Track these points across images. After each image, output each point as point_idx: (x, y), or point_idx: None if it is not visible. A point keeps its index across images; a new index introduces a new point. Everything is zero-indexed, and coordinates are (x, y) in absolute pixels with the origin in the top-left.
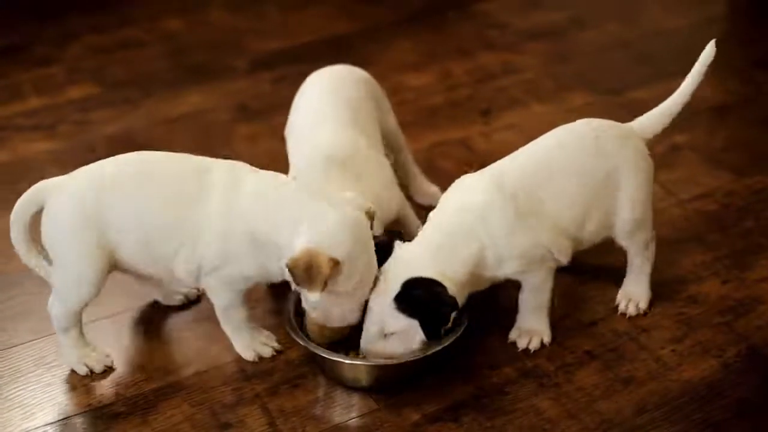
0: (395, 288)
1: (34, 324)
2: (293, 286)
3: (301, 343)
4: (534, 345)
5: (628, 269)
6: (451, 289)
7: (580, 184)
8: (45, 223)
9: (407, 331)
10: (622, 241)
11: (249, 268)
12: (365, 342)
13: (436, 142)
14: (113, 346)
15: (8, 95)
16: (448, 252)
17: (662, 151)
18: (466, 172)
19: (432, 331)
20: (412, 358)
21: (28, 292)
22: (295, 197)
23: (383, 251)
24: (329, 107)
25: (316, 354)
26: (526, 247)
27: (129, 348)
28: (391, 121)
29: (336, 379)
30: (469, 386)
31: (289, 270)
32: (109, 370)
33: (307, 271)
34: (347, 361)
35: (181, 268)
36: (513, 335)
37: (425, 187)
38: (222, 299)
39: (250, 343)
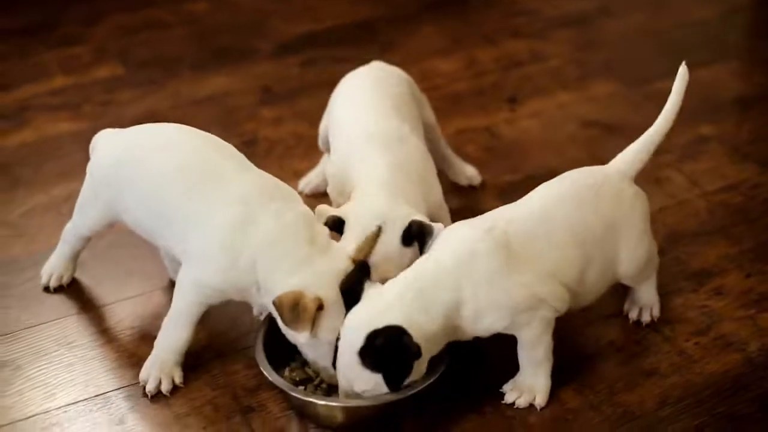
0: (360, 341)
1: (57, 303)
2: (282, 328)
3: (269, 378)
4: (521, 403)
5: None
6: (418, 336)
7: (578, 243)
8: (91, 160)
9: (376, 389)
10: (631, 284)
11: (225, 281)
12: (342, 392)
13: (461, 128)
14: (136, 327)
15: (34, 74)
16: (421, 297)
17: (688, 142)
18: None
19: (395, 384)
20: (388, 400)
21: None
22: (295, 248)
23: (352, 289)
24: (371, 100)
25: (287, 393)
26: (512, 297)
27: (151, 330)
28: (430, 115)
29: (309, 418)
30: (490, 376)
31: (275, 307)
32: (58, 289)
33: (293, 310)
34: (321, 402)
35: (175, 247)
36: (506, 387)
37: (464, 168)
38: (181, 301)
39: (158, 367)
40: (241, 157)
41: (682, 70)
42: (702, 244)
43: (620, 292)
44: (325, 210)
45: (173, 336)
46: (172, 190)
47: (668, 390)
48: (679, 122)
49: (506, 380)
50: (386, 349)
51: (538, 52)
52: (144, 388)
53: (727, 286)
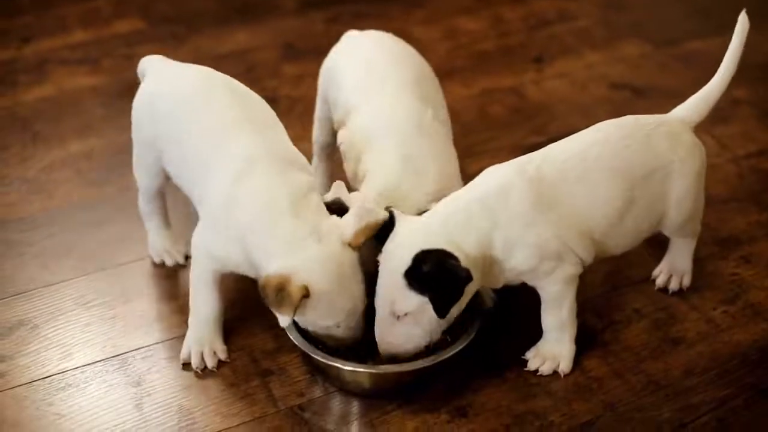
0: (405, 262)
1: (75, 262)
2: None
3: (297, 343)
4: (545, 370)
5: (672, 240)
6: (464, 261)
7: (620, 183)
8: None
9: (419, 311)
10: (670, 235)
11: (220, 249)
12: (378, 326)
13: (487, 88)
14: (155, 287)
15: (54, 27)
16: (461, 223)
17: (719, 105)
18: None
19: (443, 309)
20: (416, 367)
21: (70, 229)
22: (289, 218)
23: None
24: (390, 73)
25: (313, 358)
26: (541, 236)
27: (171, 290)
28: None
29: (335, 384)
30: (514, 342)
31: (260, 288)
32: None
33: (277, 293)
34: (348, 368)
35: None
36: (529, 354)
37: None
38: (195, 268)
39: (197, 342)
40: (264, 121)
41: (742, 19)
42: (731, 210)
43: (646, 256)
44: (341, 190)
45: (200, 306)
46: (193, 142)
47: (695, 359)
48: None
49: (529, 347)
50: (436, 271)
51: (566, 11)
52: (184, 364)
53: (756, 254)
